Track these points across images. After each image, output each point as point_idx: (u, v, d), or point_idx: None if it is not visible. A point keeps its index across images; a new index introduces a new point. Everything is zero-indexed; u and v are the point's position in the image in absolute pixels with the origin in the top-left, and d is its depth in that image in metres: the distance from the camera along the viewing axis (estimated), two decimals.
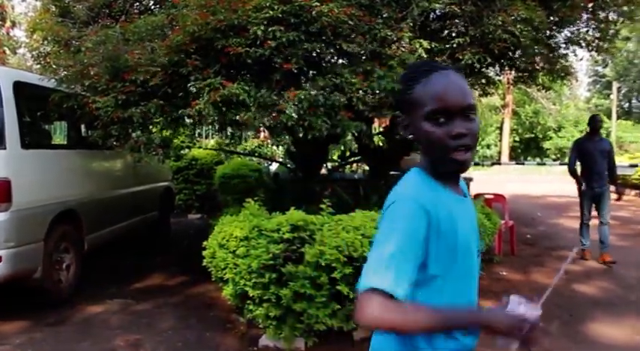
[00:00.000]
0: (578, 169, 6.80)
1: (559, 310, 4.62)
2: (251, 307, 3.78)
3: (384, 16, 4.52)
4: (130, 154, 4.58)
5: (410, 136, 1.31)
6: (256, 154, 7.78)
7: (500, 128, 34.57)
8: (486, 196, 7.38)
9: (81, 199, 5.10)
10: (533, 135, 37.47)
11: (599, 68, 45.45)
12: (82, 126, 5.81)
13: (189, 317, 4.55)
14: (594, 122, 6.79)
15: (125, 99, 4.19)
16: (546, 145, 36.56)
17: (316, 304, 3.60)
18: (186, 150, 9.60)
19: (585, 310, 4.71)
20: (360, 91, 4.18)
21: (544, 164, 20.22)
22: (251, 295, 3.70)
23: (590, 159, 6.50)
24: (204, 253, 4.04)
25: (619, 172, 16.58)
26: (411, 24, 4.52)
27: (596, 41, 7.62)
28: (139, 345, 3.96)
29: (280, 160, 8.26)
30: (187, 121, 4.16)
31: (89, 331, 4.22)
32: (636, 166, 15.29)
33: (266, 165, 9.99)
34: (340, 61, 4.77)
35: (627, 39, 38.49)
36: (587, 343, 3.98)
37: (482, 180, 15.62)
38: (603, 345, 3.95)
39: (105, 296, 5.03)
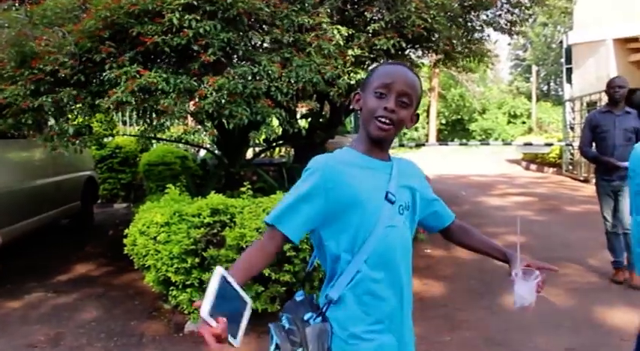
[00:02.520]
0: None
1: (477, 283, 4.89)
2: (175, 292, 3.79)
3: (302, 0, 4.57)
4: (43, 143, 4.41)
5: (358, 109, 1.59)
6: (183, 141, 7.66)
7: (428, 111, 35.52)
8: None
9: None
10: (459, 117, 38.79)
11: (520, 52, 47.55)
12: None
13: (113, 307, 4.49)
14: (613, 88, 4.83)
15: (35, 88, 4.03)
16: (472, 126, 37.95)
17: None
18: (109, 138, 9.36)
19: (502, 282, 4.92)
20: (279, 80, 4.21)
21: (466, 144, 21.03)
22: (174, 280, 3.71)
23: (608, 138, 4.84)
24: (125, 240, 4.00)
25: (535, 150, 17.57)
26: (329, 10, 4.60)
27: (510, 24, 8.01)
28: (59, 339, 3.88)
29: (208, 146, 8.18)
30: (104, 105, 4.05)
31: (5, 328, 4.09)
32: (551, 145, 16.17)
33: (193, 152, 9.86)
34: (260, 47, 4.78)
35: (545, 25, 40.52)
36: (503, 313, 4.15)
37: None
38: (519, 314, 4.12)
39: (24, 291, 4.87)
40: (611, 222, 4.96)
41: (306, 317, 1.48)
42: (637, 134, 4.75)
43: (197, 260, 3.64)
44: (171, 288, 3.80)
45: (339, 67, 4.43)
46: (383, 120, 1.49)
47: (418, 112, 1.67)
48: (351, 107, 10.79)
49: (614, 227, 4.94)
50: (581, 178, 13.80)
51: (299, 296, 1.57)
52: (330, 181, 1.46)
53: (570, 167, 15.18)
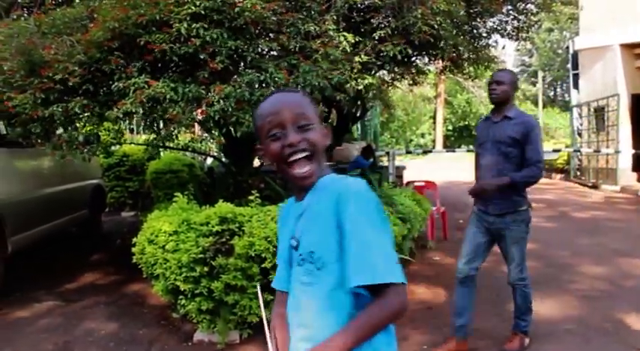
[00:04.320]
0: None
1: (488, 291, 4.84)
2: (183, 301, 3.78)
3: (308, 6, 4.57)
4: (52, 152, 4.43)
5: (268, 163, 1.38)
6: (190, 149, 7.69)
7: (434, 117, 35.50)
8: (417, 184, 7.62)
9: (3, 199, 4.91)
10: (466, 123, 38.74)
11: (526, 58, 47.50)
12: (1, 123, 5.58)
13: (121, 316, 4.48)
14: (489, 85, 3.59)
15: (44, 96, 4.06)
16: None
17: (248, 296, 3.64)
18: (117, 146, 9.39)
19: (511, 290, 4.90)
20: (287, 86, 4.22)
21: (473, 151, 20.93)
22: (183, 289, 3.70)
23: (482, 154, 3.68)
24: (133, 249, 3.99)
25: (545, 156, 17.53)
26: (335, 17, 4.60)
27: (516, 31, 8.02)
28: (68, 347, 3.87)
29: (215, 154, 8.20)
30: (113, 116, 4.07)
31: (13, 336, 4.08)
32: (559, 151, 16.13)
33: (201, 160, 9.88)
34: (267, 54, 4.79)
35: (550, 30, 40.48)
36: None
37: (415, 168, 16.06)
38: (531, 321, 4.13)
39: (32, 299, 4.87)
40: (466, 263, 3.60)
41: None
42: (521, 147, 3.38)
43: (206, 269, 3.63)
44: (180, 297, 3.79)
45: (346, 72, 4.43)
46: (295, 157, 1.28)
47: (328, 124, 1.49)
48: (357, 115, 10.87)
49: (464, 274, 3.60)
50: (590, 185, 13.74)
51: None
52: None
53: (578, 173, 15.12)
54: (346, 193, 1.23)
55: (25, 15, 4.86)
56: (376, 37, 4.81)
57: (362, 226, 1.19)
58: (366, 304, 1.18)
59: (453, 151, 19.59)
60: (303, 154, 1.28)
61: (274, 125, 1.30)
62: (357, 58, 4.70)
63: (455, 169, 18.40)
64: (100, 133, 6.00)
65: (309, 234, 1.28)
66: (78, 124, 4.88)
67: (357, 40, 4.72)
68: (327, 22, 4.52)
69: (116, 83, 4.05)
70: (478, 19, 7.43)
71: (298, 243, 1.31)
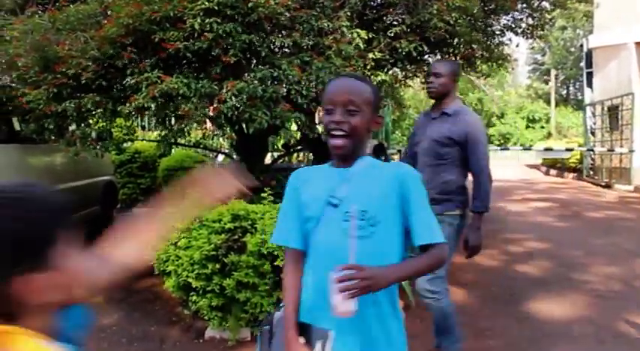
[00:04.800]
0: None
1: (500, 290, 4.80)
2: (195, 298, 3.77)
3: (321, 3, 4.55)
4: (65, 148, 4.44)
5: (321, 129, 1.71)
6: (201, 146, 7.70)
7: None
8: None
9: None
10: None
11: (539, 56, 47.10)
12: (15, 119, 5.60)
13: (133, 312, 4.49)
14: (427, 77, 3.49)
15: (57, 92, 4.07)
16: (490, 131, 37.66)
17: (260, 293, 3.63)
18: (129, 143, 9.42)
19: (526, 289, 4.86)
20: (299, 84, 4.20)
21: None
22: (194, 286, 3.69)
23: (418, 153, 3.29)
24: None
25: (556, 155, 17.24)
26: (349, 13, 4.58)
27: (531, 28, 7.93)
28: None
29: (226, 151, 8.20)
30: (125, 111, 4.08)
31: None
32: (572, 150, 15.97)
33: (212, 157, 9.89)
34: (279, 51, 4.77)
35: (564, 28, 40.11)
36: (528, 321, 4.09)
37: None
38: (544, 321, 4.08)
39: None
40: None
41: (280, 305, 1.71)
42: (461, 148, 3.04)
43: (218, 266, 3.62)
44: (192, 293, 3.79)
45: (360, 69, 4.41)
46: (334, 133, 1.57)
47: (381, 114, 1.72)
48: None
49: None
50: (603, 184, 13.59)
51: None
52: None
53: (591, 172, 14.96)
54: (409, 174, 1.60)
55: (40, 12, 4.87)
56: (391, 34, 4.77)
57: (423, 202, 1.57)
58: (416, 255, 1.58)
59: None
60: (340, 133, 1.56)
61: (330, 102, 1.59)
62: (370, 55, 4.68)
63: None
64: (112, 130, 6.02)
65: (361, 196, 1.56)
66: (91, 121, 4.89)
67: (370, 36, 4.70)
68: (340, 19, 4.49)
69: (129, 78, 4.05)
70: (492, 17, 7.36)
71: (340, 202, 1.57)
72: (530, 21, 8.01)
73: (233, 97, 4.02)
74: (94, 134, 4.28)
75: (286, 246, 1.72)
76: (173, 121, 5.01)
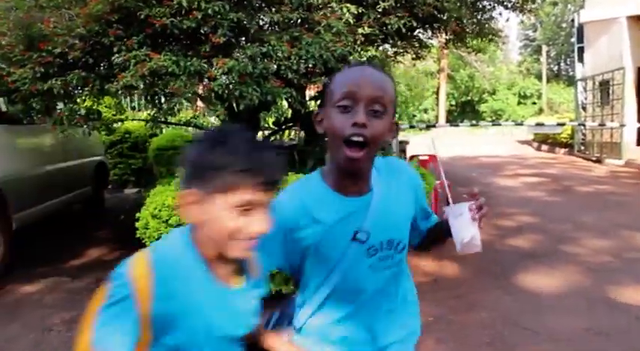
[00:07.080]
0: None
1: (491, 264, 4.84)
2: None
3: None
4: (52, 127, 4.39)
5: (322, 131, 1.29)
6: (192, 125, 7.64)
7: (437, 93, 35.27)
8: (421, 158, 7.57)
9: (4, 176, 4.89)
10: (468, 98, 38.50)
11: (530, 32, 46.91)
12: (1, 100, 5.53)
13: None
14: None
15: (44, 71, 4.01)
16: (482, 107, 37.69)
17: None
18: (119, 123, 9.36)
19: (517, 262, 4.89)
20: (289, 59, 4.16)
21: (477, 125, 20.79)
22: None
23: None
24: (137, 224, 3.99)
25: (547, 131, 17.37)
26: None
27: (521, 2, 7.89)
28: (74, 322, 3.88)
29: None
30: (113, 90, 4.03)
31: (20, 311, 4.11)
32: (563, 124, 15.99)
33: None
34: (269, 28, 4.72)
35: (555, 4, 39.89)
36: (519, 294, 4.14)
37: (418, 143, 15.98)
38: (535, 294, 4.12)
39: (38, 275, 4.89)
40: None
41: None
42: None
43: None
44: None
45: (350, 44, 4.37)
46: (354, 139, 1.19)
47: (397, 114, 1.42)
48: None
49: None
50: (594, 159, 13.68)
51: None
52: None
53: (582, 147, 15.04)
54: (415, 176, 1.48)
55: None
56: (379, 9, 4.73)
57: (424, 197, 1.51)
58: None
59: (457, 126, 19.49)
60: (361, 139, 1.19)
61: (349, 96, 1.20)
62: (360, 30, 4.63)
63: (458, 144, 18.41)
64: (100, 110, 5.96)
65: (386, 223, 1.32)
66: (79, 100, 4.84)
67: (360, 11, 4.64)
68: None
69: (116, 56, 4.00)
70: None
71: (369, 236, 1.29)
72: None
73: (223, 76, 3.98)
74: (82, 111, 4.23)
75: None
76: (162, 99, 4.97)
